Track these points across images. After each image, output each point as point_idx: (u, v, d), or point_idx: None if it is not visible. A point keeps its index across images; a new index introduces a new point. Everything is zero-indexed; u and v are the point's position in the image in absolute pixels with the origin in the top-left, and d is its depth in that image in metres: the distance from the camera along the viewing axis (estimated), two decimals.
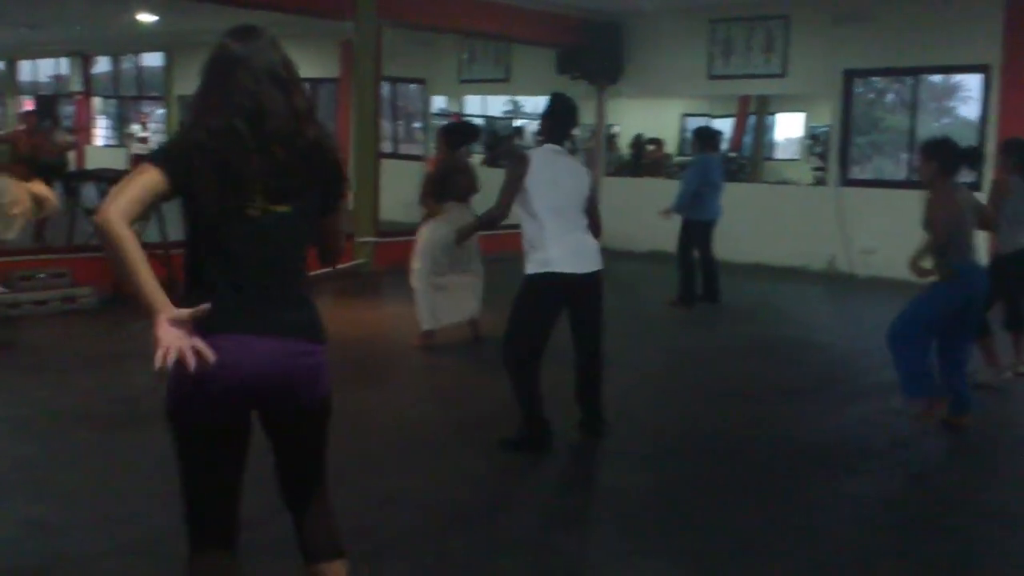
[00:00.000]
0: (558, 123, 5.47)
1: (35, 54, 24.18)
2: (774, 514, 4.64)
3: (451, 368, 7.47)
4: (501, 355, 5.42)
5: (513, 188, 5.25)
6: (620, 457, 5.47)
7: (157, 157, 2.58)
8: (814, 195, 13.84)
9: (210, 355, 2.45)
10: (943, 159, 5.78)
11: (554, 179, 5.27)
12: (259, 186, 2.59)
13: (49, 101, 24.12)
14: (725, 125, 19.38)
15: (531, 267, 5.27)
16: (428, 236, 7.69)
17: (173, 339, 2.41)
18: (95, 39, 20.74)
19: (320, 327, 2.78)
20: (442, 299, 7.76)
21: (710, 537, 4.33)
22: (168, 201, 2.59)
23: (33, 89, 25.79)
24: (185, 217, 2.63)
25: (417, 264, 7.76)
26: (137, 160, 18.94)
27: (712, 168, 10.04)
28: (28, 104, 22.50)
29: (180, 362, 2.41)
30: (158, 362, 2.40)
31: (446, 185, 7.69)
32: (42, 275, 8.71)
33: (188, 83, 2.89)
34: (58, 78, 24.84)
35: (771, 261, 13.04)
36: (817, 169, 16.22)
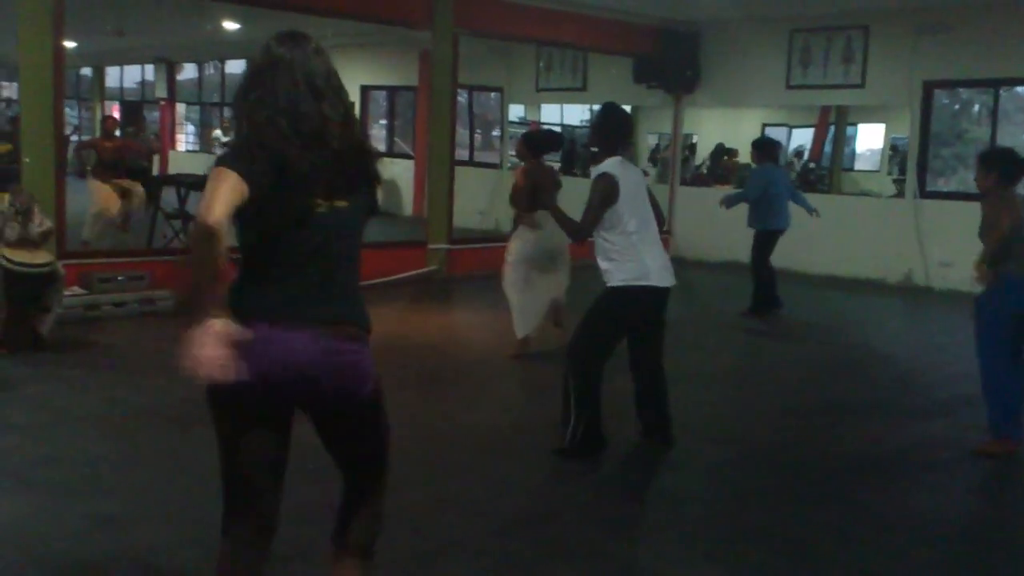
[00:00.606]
0: (616, 133, 5.47)
1: (122, 60, 24.77)
2: (834, 526, 4.59)
3: (519, 375, 7.49)
4: (568, 364, 5.37)
5: (603, 209, 5.22)
6: (681, 466, 5.44)
7: (229, 160, 2.59)
8: (892, 207, 13.61)
9: (235, 369, 2.49)
10: (1003, 169, 5.70)
11: (634, 192, 5.30)
12: (321, 181, 2.65)
13: (135, 107, 24.76)
14: (805, 135, 19.17)
15: (621, 279, 5.24)
16: (520, 247, 7.69)
17: (207, 350, 2.46)
18: (180, 46, 21.22)
19: (367, 322, 2.83)
20: (532, 300, 7.75)
21: (769, 547, 4.30)
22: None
23: (119, 95, 26.48)
24: (247, 217, 2.63)
25: (510, 274, 7.74)
26: None
27: (773, 178, 9.95)
28: (114, 109, 23.06)
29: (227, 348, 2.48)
30: (187, 370, 2.48)
31: (536, 194, 7.64)
32: (121, 278, 8.93)
33: None
34: (144, 84, 25.46)
35: (847, 273, 12.85)
36: (897, 181, 15.95)
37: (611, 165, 5.33)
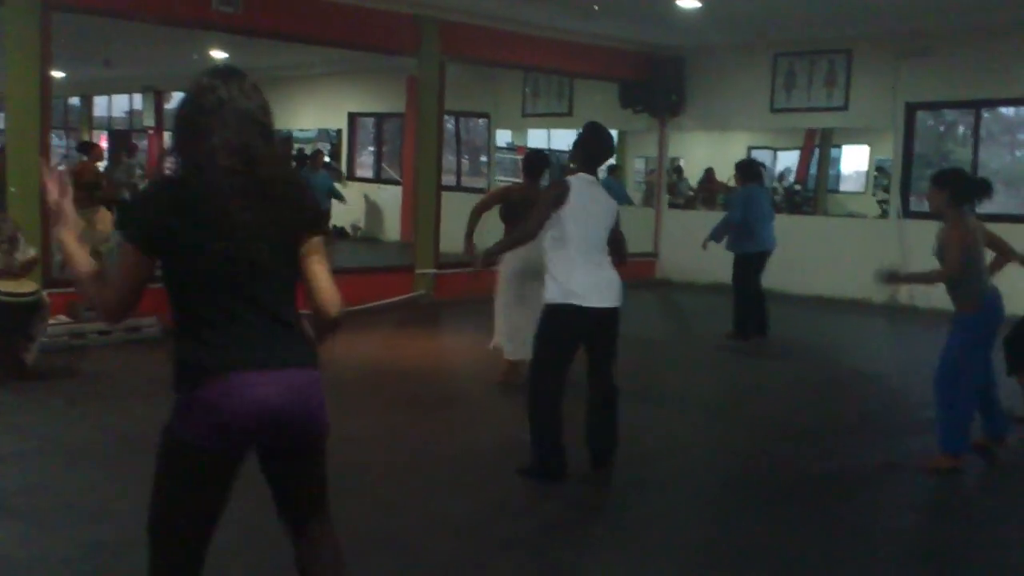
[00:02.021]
0: (591, 152, 5.44)
1: (110, 89, 24.82)
2: (820, 546, 4.60)
3: (507, 399, 7.47)
4: (528, 387, 5.39)
5: (547, 211, 5.23)
6: (667, 488, 5.44)
7: (128, 230, 2.59)
8: (876, 227, 13.69)
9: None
10: (954, 189, 5.76)
11: (586, 209, 5.25)
12: (254, 227, 2.58)
13: (122, 136, 24.78)
14: (791, 158, 19.27)
15: (551, 296, 5.23)
16: (510, 260, 7.56)
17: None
18: (168, 75, 21.26)
19: (316, 355, 2.77)
20: (524, 320, 7.62)
21: (758, 567, 4.30)
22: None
23: (107, 124, 26.49)
24: (165, 275, 2.61)
25: (502, 294, 7.67)
26: None
27: (757, 200, 9.93)
28: (102, 139, 23.07)
29: (199, 393, 2.51)
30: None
31: (519, 212, 7.60)
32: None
33: None
34: (132, 113, 25.47)
35: (833, 293, 12.91)
36: (883, 202, 16.04)
37: (574, 177, 5.34)
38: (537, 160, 8.21)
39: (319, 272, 2.74)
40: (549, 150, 20.75)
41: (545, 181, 8.27)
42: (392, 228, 18.37)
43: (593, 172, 5.44)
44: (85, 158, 12.60)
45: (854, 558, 4.48)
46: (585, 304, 5.15)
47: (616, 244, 5.46)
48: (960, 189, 5.79)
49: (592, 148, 5.45)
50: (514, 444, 5.68)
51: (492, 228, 7.74)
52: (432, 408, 7.03)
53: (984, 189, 5.90)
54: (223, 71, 2.69)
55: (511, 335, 7.57)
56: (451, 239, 12.66)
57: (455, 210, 13.88)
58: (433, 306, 11.34)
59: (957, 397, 5.71)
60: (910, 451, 6.23)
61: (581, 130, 5.53)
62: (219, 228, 2.54)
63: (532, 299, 7.48)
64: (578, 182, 5.31)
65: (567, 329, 5.25)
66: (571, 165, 5.53)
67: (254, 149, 2.61)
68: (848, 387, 8.17)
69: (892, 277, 5.84)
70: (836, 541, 4.67)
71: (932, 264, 5.89)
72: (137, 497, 5.01)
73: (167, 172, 2.66)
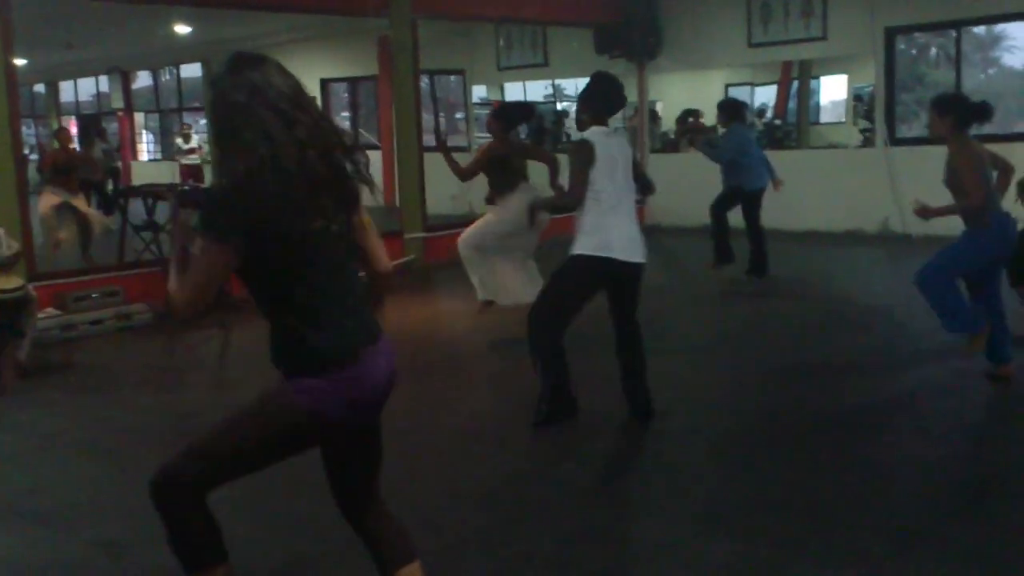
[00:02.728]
0: (603, 103, 5.36)
1: (75, 73, 24.47)
2: (845, 487, 4.53)
3: (508, 359, 7.40)
4: (529, 331, 5.35)
5: (584, 174, 5.17)
6: (686, 439, 5.36)
7: (220, 230, 2.53)
8: (863, 157, 13.61)
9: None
10: (957, 114, 5.70)
11: (612, 163, 5.22)
12: (322, 209, 2.61)
13: (91, 120, 24.46)
14: (769, 93, 19.12)
15: (584, 248, 5.20)
16: (491, 219, 7.57)
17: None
18: (133, 55, 20.94)
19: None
20: (489, 276, 7.65)
21: (785, 515, 4.23)
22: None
23: (75, 108, 26.11)
24: (256, 267, 2.61)
25: (468, 233, 7.64)
26: (186, 173, 19.12)
27: (745, 138, 9.88)
28: (71, 124, 22.77)
29: (337, 374, 2.60)
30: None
31: (507, 169, 7.55)
32: (95, 295, 8.77)
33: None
34: (99, 96, 25.14)
35: (824, 227, 12.86)
36: (864, 131, 15.94)
37: (591, 133, 5.28)
38: (517, 112, 8.09)
39: (374, 240, 2.95)
40: (526, 103, 20.60)
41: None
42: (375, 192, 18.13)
43: (605, 124, 5.35)
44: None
45: (890, 498, 4.40)
46: (619, 258, 5.17)
47: (642, 179, 5.55)
48: (963, 114, 5.72)
49: (602, 99, 5.35)
50: (520, 408, 5.61)
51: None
52: (433, 374, 6.93)
53: (986, 112, 5.81)
54: (247, 58, 2.66)
55: (475, 277, 7.65)
56: (436, 200, 12.54)
57: (438, 170, 13.76)
58: (424, 270, 11.21)
59: (946, 287, 5.74)
60: (919, 381, 6.19)
61: (588, 81, 5.42)
62: (312, 211, 2.58)
63: (515, 249, 7.49)
64: (597, 137, 5.25)
65: (595, 281, 5.27)
66: (582, 118, 5.39)
67: (309, 128, 2.59)
68: (851, 321, 8.10)
69: (925, 210, 5.75)
70: (868, 483, 4.59)
71: (927, 191, 5.84)
72: (143, 492, 4.95)
73: (228, 174, 2.63)
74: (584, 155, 5.18)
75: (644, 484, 4.83)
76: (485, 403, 6.26)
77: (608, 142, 5.26)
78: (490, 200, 7.68)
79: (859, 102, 17.75)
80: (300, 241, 2.57)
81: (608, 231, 5.16)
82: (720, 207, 9.95)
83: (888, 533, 3.99)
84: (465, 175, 7.82)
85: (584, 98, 5.41)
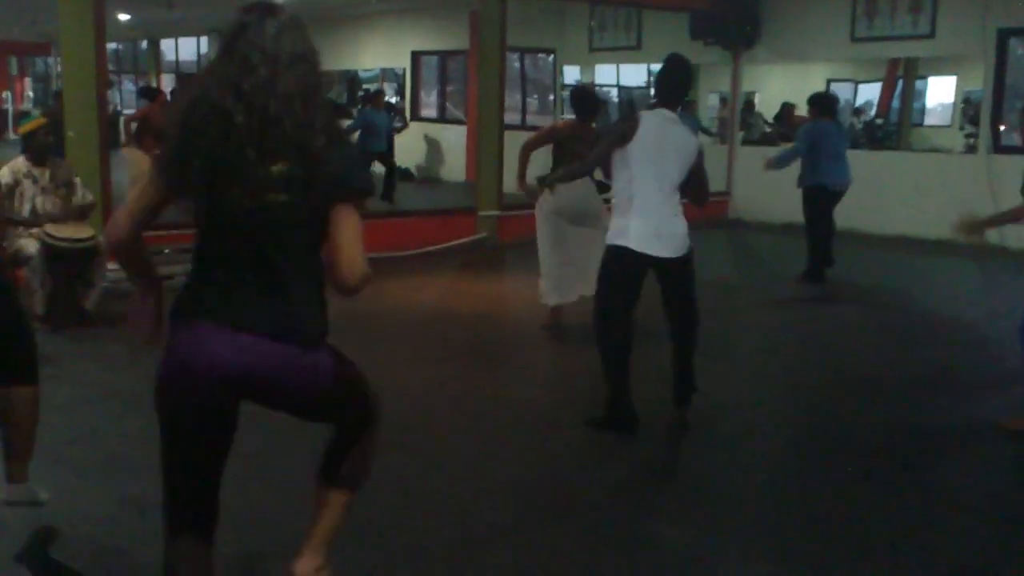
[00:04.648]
0: (672, 86, 5.11)
1: (175, 32, 24.85)
2: (903, 513, 4.28)
3: (567, 347, 7.23)
4: (595, 333, 5.19)
5: (609, 147, 4.98)
6: (739, 448, 5.16)
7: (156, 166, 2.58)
8: (964, 163, 13.09)
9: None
10: None
11: (660, 148, 4.93)
12: (249, 173, 2.46)
13: (190, 79, 24.83)
14: (873, 90, 18.58)
15: (609, 236, 5.04)
16: (549, 198, 7.20)
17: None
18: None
19: (314, 330, 2.63)
20: (562, 261, 7.29)
21: (829, 539, 4.01)
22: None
23: (175, 67, 26.57)
24: (190, 205, 2.59)
25: (541, 227, 7.31)
26: None
27: (825, 135, 9.49)
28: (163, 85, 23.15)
29: (168, 345, 2.55)
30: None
31: (564, 151, 7.28)
32: (167, 250, 8.82)
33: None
34: (200, 57, 25.53)
35: (917, 233, 12.37)
36: (969, 136, 15.37)
37: (649, 112, 5.04)
38: (586, 99, 7.74)
39: (347, 240, 2.52)
40: (619, 86, 20.31)
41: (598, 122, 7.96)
42: (458, 169, 18.09)
43: (673, 108, 5.09)
44: (147, 103, 12.54)
45: (948, 531, 4.13)
46: (637, 249, 4.89)
47: (694, 186, 5.12)
48: None
49: (668, 82, 5.10)
50: (567, 399, 5.46)
51: (544, 168, 7.43)
52: (486, 358, 6.81)
53: None
54: (259, 4, 2.54)
55: (546, 277, 7.30)
56: (514, 180, 12.36)
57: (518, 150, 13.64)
58: (497, 249, 11.10)
59: None
60: (994, 407, 5.85)
61: (663, 63, 5.19)
62: (225, 157, 2.46)
63: (572, 242, 7.22)
64: (651, 118, 4.98)
65: (620, 271, 5.00)
66: (653, 101, 5.19)
67: (253, 81, 2.46)
68: (930, 335, 7.74)
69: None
70: (926, 512, 4.33)
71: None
72: None
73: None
74: (621, 129, 4.98)
75: (683, 491, 4.64)
76: (534, 391, 6.09)
77: (664, 128, 4.97)
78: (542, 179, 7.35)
79: (968, 105, 17.15)
80: (209, 187, 2.48)
81: (629, 219, 4.91)
82: (811, 220, 9.54)
83: (939, 570, 3.75)
84: (526, 147, 7.52)
85: (656, 81, 5.24)
